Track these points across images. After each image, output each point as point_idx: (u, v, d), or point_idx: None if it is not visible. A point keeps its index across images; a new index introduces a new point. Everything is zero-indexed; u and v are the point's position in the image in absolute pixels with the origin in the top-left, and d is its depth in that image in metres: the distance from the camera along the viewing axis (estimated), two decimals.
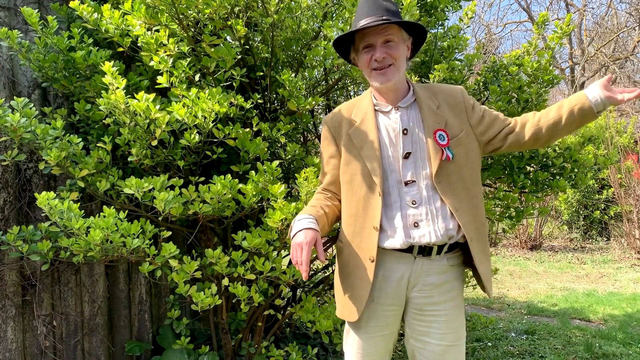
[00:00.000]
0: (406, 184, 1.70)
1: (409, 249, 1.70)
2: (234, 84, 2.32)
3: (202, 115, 2.08)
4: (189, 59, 2.23)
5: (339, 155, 1.80)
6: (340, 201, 1.83)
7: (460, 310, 1.79)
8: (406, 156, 1.71)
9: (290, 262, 2.69)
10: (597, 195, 8.66)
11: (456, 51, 2.76)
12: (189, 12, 2.25)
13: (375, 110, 1.77)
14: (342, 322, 2.45)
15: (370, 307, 1.76)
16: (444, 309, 1.74)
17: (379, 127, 1.75)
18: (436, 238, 1.68)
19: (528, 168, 2.92)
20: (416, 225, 1.68)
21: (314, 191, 2.02)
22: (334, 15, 2.52)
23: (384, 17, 1.65)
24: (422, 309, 1.75)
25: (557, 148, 2.95)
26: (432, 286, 1.73)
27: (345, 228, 1.79)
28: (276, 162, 2.20)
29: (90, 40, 2.38)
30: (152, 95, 2.12)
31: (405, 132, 1.72)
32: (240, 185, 2.16)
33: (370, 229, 1.71)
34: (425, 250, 1.70)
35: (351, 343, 1.83)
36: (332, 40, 2.31)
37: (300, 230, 1.62)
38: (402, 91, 1.77)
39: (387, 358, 1.86)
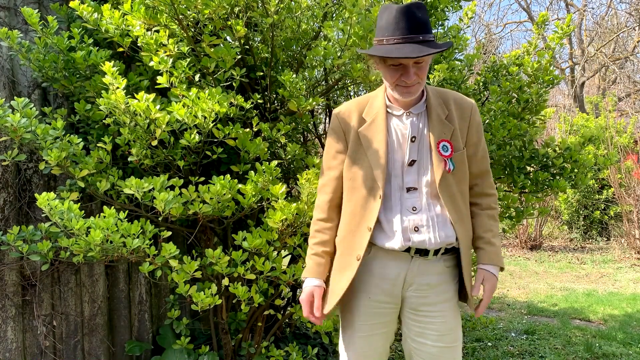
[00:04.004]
0: (408, 190, 1.71)
1: (406, 249, 1.70)
2: (234, 84, 2.32)
3: (202, 115, 2.08)
4: (188, 59, 2.23)
5: (346, 151, 1.78)
6: (340, 213, 1.82)
7: (456, 312, 1.79)
8: (411, 163, 1.71)
9: (290, 262, 2.70)
10: (597, 195, 8.65)
11: (456, 51, 2.76)
12: (189, 12, 2.25)
13: (387, 112, 1.76)
14: None
15: (367, 304, 1.76)
16: (439, 309, 1.74)
17: (389, 130, 1.74)
18: (435, 244, 1.69)
19: (528, 168, 2.92)
20: (417, 229, 1.69)
21: (315, 192, 2.00)
22: (334, 15, 2.52)
23: (420, 38, 1.59)
24: (418, 309, 1.75)
25: (557, 148, 2.95)
26: (428, 286, 1.73)
27: (342, 225, 1.79)
28: (275, 162, 2.20)
29: (90, 40, 2.38)
30: (152, 95, 2.12)
31: (413, 139, 1.72)
32: (240, 186, 2.16)
33: (363, 229, 1.71)
34: (422, 251, 1.70)
35: (347, 342, 1.82)
36: (332, 41, 2.31)
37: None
38: (416, 97, 1.74)
39: (384, 358, 1.86)
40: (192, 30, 2.35)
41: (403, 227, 1.68)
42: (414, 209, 1.70)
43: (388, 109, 1.76)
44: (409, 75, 1.63)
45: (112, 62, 2.18)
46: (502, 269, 1.80)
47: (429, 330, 1.74)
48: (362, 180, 1.72)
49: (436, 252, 1.71)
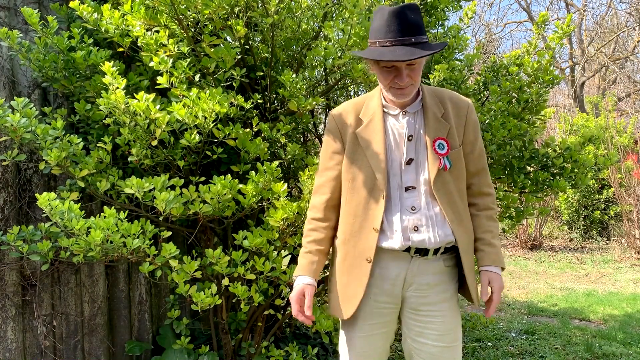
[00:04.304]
0: (406, 189, 1.71)
1: (406, 249, 1.70)
2: (234, 84, 2.32)
3: (202, 116, 2.08)
4: (188, 60, 2.23)
5: (343, 152, 1.78)
6: (337, 213, 1.82)
7: (455, 312, 1.79)
8: (408, 162, 1.72)
9: (290, 262, 2.70)
10: (597, 195, 8.65)
11: (456, 51, 2.76)
12: (189, 12, 2.25)
13: (384, 111, 1.76)
14: None
15: (366, 304, 1.76)
16: (439, 309, 1.74)
17: (386, 130, 1.74)
18: (434, 244, 1.69)
19: (528, 168, 2.92)
20: (416, 229, 1.69)
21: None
22: (334, 15, 2.52)
23: (412, 41, 1.60)
24: (418, 308, 1.75)
25: (557, 148, 2.95)
26: (428, 286, 1.74)
27: (343, 226, 1.78)
28: (276, 162, 2.20)
29: (90, 40, 2.38)
30: (152, 95, 2.12)
31: (410, 138, 1.72)
32: (240, 186, 2.16)
33: (369, 230, 1.71)
34: (422, 251, 1.71)
35: (347, 342, 1.82)
36: (332, 41, 2.31)
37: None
38: (412, 97, 1.75)
39: (384, 358, 1.86)
40: (192, 30, 2.35)
41: (403, 227, 1.69)
42: (413, 208, 1.70)
43: (384, 109, 1.76)
44: (402, 77, 1.64)
45: (112, 62, 2.18)
46: (502, 269, 1.80)
47: (428, 330, 1.75)
48: (363, 181, 1.73)
49: (436, 251, 1.72)
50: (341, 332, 1.85)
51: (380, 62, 1.65)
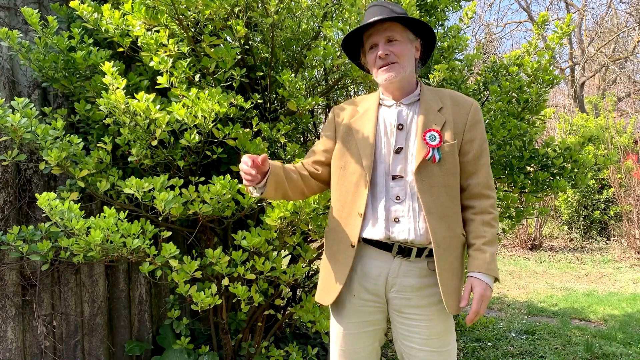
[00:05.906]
0: (394, 177, 1.72)
1: (388, 248, 1.70)
2: (234, 84, 2.32)
3: (202, 116, 2.08)
4: (188, 59, 2.23)
5: (334, 141, 1.84)
6: (310, 184, 1.86)
7: (445, 316, 1.73)
8: (397, 151, 1.73)
9: (290, 262, 2.70)
10: (597, 195, 8.65)
11: (456, 51, 2.76)
12: (189, 12, 2.25)
13: (380, 104, 1.82)
14: None
15: (351, 303, 1.77)
16: (425, 313, 1.71)
17: (378, 119, 1.78)
18: (415, 236, 1.66)
19: (528, 168, 2.92)
20: (397, 220, 1.69)
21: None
22: (334, 15, 2.52)
23: (386, 15, 1.70)
24: (402, 311, 1.73)
25: (557, 148, 2.96)
26: (411, 288, 1.71)
27: (333, 213, 1.81)
28: None
29: (91, 40, 2.38)
30: (152, 95, 2.12)
31: (400, 127, 1.74)
32: (240, 186, 2.16)
33: (355, 216, 1.73)
34: (405, 251, 1.70)
35: (335, 339, 1.84)
36: (332, 41, 2.31)
37: None
38: (408, 89, 1.78)
39: (373, 357, 1.85)
40: (192, 30, 2.35)
41: (385, 217, 1.70)
42: (398, 198, 1.70)
43: (380, 101, 1.82)
44: (380, 50, 1.71)
45: (112, 62, 2.18)
46: (497, 280, 1.71)
47: (415, 334, 1.72)
48: (352, 169, 1.76)
49: (419, 253, 1.70)
50: (331, 330, 1.87)
51: (366, 46, 1.77)
